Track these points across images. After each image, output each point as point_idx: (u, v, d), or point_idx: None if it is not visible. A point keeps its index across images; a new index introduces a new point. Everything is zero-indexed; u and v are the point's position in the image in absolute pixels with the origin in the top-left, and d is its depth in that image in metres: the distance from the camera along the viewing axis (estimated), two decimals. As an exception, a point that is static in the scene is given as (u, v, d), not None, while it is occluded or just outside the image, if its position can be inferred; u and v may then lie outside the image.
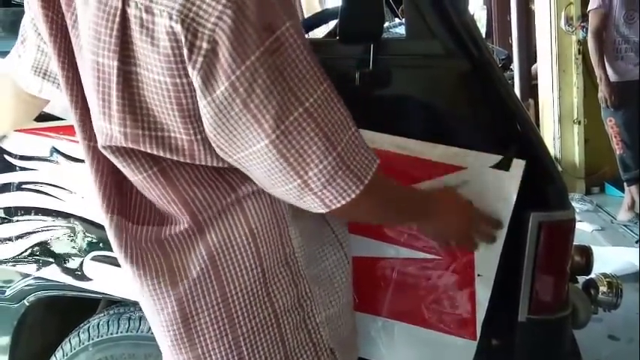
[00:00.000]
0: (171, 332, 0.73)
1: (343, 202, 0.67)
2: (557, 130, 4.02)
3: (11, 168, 1.16)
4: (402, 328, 1.04)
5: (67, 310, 1.39)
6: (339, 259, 0.84)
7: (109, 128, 0.66)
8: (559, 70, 3.95)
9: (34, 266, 1.20)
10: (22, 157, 1.15)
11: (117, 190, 0.73)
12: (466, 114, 1.05)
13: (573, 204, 4.05)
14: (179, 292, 0.71)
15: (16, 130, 1.13)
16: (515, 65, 4.69)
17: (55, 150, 1.13)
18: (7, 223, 1.19)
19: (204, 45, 0.58)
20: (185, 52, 0.58)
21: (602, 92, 3.38)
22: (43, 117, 1.11)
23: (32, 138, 1.13)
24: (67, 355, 1.31)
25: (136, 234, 0.72)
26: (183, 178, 0.70)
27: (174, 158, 0.67)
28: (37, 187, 1.16)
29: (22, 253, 1.19)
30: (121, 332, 1.26)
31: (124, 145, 0.67)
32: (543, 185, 1.02)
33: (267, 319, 0.74)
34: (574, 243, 1.56)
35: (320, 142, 0.63)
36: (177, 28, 0.57)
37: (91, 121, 0.71)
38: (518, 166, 0.95)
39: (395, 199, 0.80)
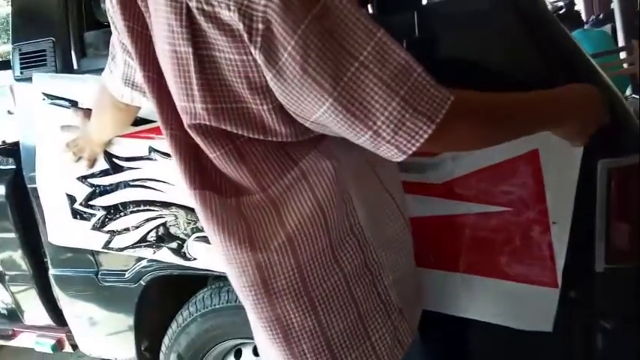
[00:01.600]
0: (252, 293, 0.81)
1: (418, 145, 0.68)
2: (669, 69, 3.62)
3: (120, 169, 1.34)
4: (481, 282, 1.06)
5: (183, 287, 1.56)
6: (401, 226, 0.89)
7: (193, 107, 0.75)
8: (664, 3, 3.54)
9: (150, 251, 1.38)
10: (128, 159, 1.32)
11: (197, 167, 0.81)
12: (522, 66, 1.03)
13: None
14: (258, 259, 0.78)
15: (119, 136, 1.30)
16: (616, 4, 4.27)
17: (152, 149, 1.29)
18: (123, 216, 1.37)
19: (260, 26, 0.65)
20: (245, 35, 0.66)
21: None
22: (138, 122, 1.26)
23: (133, 141, 1.29)
24: (180, 326, 1.49)
25: (221, 205, 0.80)
26: (253, 154, 0.78)
27: (249, 135, 0.76)
28: (143, 183, 1.32)
29: (139, 240, 1.37)
30: (222, 303, 1.41)
31: (207, 123, 0.75)
32: (612, 131, 0.97)
33: (338, 282, 0.80)
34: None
35: (380, 90, 0.65)
36: (235, 16, 0.66)
37: (168, 111, 0.82)
38: None
39: (503, 117, 0.76)
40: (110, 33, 0.91)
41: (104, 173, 1.35)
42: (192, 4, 0.68)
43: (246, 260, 0.79)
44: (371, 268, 0.82)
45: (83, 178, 1.38)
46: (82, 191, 1.39)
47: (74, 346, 1.85)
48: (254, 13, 0.65)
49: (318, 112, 0.69)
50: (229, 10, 0.66)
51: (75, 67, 1.43)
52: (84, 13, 1.47)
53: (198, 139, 0.79)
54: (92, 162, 1.35)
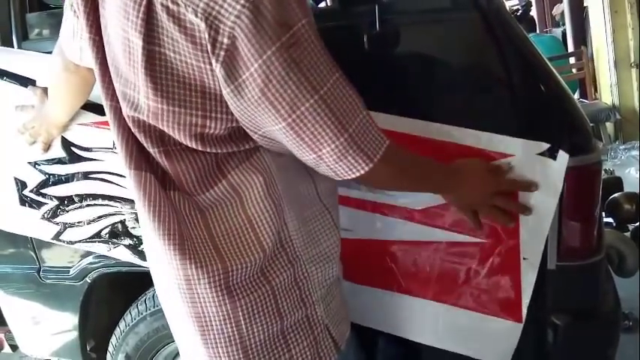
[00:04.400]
0: (176, 286, 0.79)
1: (353, 176, 0.75)
2: (614, 76, 3.81)
3: (78, 158, 1.27)
4: (447, 310, 1.08)
5: (131, 285, 1.49)
6: (335, 242, 0.90)
7: (136, 98, 0.74)
8: (611, 12, 3.70)
9: (105, 247, 1.33)
10: (88, 149, 1.26)
11: (137, 145, 0.78)
12: (480, 69, 1.04)
13: (632, 152, 3.80)
14: (184, 258, 0.77)
15: (80, 124, 1.24)
16: (566, 11, 4.45)
17: None
18: (78, 208, 1.31)
19: (225, 40, 0.65)
20: (209, 46, 0.65)
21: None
22: (103, 111, 1.18)
23: (96, 131, 1.24)
24: (128, 325, 1.44)
25: (156, 189, 0.78)
26: (183, 163, 0.77)
27: (185, 142, 0.74)
28: (103, 176, 1.27)
29: (94, 235, 1.32)
30: (173, 302, 1.35)
31: (144, 119, 0.74)
32: (565, 132, 0.99)
33: (265, 295, 0.80)
34: (624, 191, 1.51)
35: (332, 125, 0.70)
36: (202, 25, 0.64)
37: (111, 81, 0.77)
38: (563, 158, 0.95)
39: (412, 170, 0.86)
40: (55, 15, 0.85)
41: (58, 161, 1.28)
42: None
43: (173, 256, 0.77)
44: (299, 282, 0.83)
45: (35, 164, 1.31)
46: (33, 178, 1.32)
47: (14, 347, 1.76)
48: (221, 26, 0.65)
49: (268, 129, 0.72)
50: (196, 15, 0.65)
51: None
52: (27, -7, 1.39)
53: (134, 130, 0.78)
54: (48, 146, 1.28)
